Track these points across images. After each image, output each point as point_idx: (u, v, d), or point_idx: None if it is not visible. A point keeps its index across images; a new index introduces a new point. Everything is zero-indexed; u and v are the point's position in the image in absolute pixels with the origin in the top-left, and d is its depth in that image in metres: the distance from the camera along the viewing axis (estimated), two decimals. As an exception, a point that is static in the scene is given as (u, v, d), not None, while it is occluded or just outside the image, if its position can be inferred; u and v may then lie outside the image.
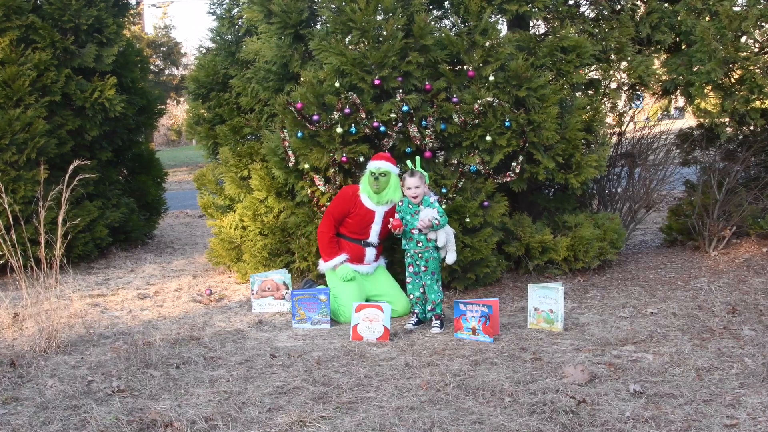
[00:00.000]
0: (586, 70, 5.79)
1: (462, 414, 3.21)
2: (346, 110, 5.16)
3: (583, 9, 6.27)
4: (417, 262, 4.72)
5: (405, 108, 5.14)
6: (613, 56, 5.93)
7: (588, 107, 5.74)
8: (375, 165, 4.90)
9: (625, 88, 6.53)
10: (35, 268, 4.60)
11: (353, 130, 5.18)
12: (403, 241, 4.78)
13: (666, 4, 6.16)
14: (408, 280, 4.81)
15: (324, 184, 5.34)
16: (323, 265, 5.09)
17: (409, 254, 4.77)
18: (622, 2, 6.24)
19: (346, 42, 5.30)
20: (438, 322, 4.62)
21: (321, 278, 5.33)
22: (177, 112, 31.16)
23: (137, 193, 8.25)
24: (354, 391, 3.53)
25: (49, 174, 6.47)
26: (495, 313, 4.38)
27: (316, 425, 3.13)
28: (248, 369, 3.93)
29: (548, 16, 5.94)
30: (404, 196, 4.76)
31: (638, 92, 6.80)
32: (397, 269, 5.23)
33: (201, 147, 6.96)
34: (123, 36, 7.56)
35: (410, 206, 4.69)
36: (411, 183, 4.65)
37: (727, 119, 5.98)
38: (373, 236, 5.03)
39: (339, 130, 5.18)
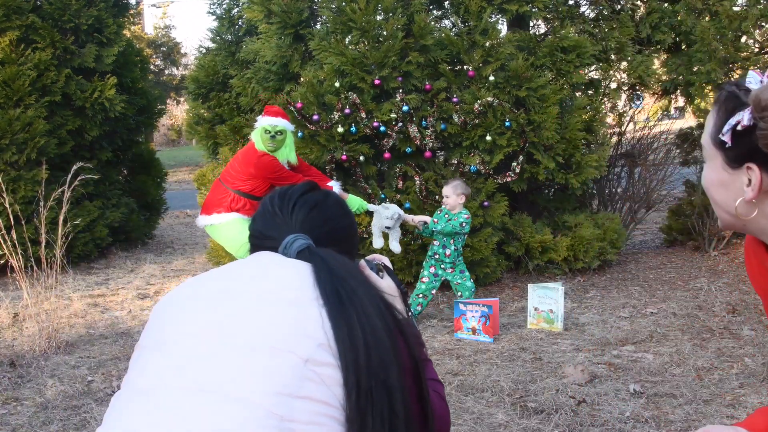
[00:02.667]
0: (586, 70, 5.79)
1: (462, 414, 3.21)
2: (346, 110, 5.16)
3: (583, 9, 6.27)
4: (442, 266, 4.71)
5: (405, 108, 5.14)
6: (613, 56, 5.93)
7: (588, 107, 5.74)
8: (270, 121, 4.45)
9: (625, 88, 6.53)
10: (35, 268, 4.60)
11: (353, 129, 5.18)
12: (436, 243, 4.73)
13: (666, 4, 6.16)
14: (425, 279, 4.75)
15: None
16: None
17: (435, 257, 4.73)
18: (622, 2, 6.24)
19: (346, 42, 5.30)
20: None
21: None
22: (177, 112, 31.15)
23: (137, 193, 8.25)
24: (354, 391, 3.52)
25: (49, 174, 6.47)
26: (495, 313, 4.38)
27: (316, 425, 3.12)
28: (248, 369, 3.93)
29: (548, 16, 5.94)
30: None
31: (638, 92, 6.80)
32: (395, 272, 5.23)
33: (201, 147, 6.97)
34: (123, 36, 7.56)
35: (446, 215, 4.68)
36: (444, 191, 4.69)
37: (727, 119, 5.97)
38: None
39: (339, 129, 5.18)
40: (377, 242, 4.73)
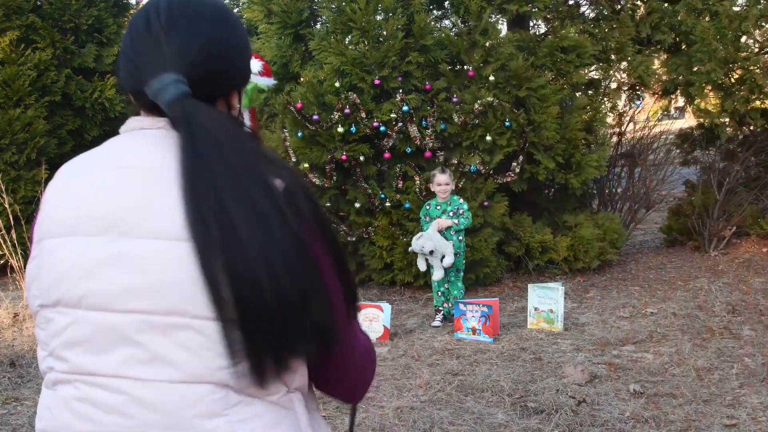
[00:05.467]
0: (586, 70, 5.79)
1: (462, 414, 3.21)
2: (346, 110, 5.16)
3: (583, 9, 6.27)
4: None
5: (405, 108, 5.14)
6: (613, 56, 5.94)
7: (588, 107, 5.74)
8: (266, 82, 4.09)
9: (625, 88, 6.54)
10: (35, 268, 4.59)
11: (353, 129, 5.18)
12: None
13: (666, 4, 6.16)
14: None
15: (319, 178, 5.30)
16: None
17: None
18: (622, 2, 6.25)
19: (346, 42, 5.30)
20: (440, 316, 4.68)
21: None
22: (177, 112, 31.16)
23: (137, 193, 8.25)
24: (354, 391, 3.52)
25: (49, 174, 6.47)
26: (495, 313, 4.38)
27: (316, 425, 3.12)
28: (248, 369, 3.92)
29: (548, 16, 5.94)
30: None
31: (638, 92, 6.80)
32: (396, 272, 5.22)
33: (201, 147, 6.97)
34: (123, 36, 7.57)
35: (438, 207, 4.69)
36: (442, 180, 4.61)
37: (727, 119, 5.98)
38: None
39: (339, 129, 5.18)
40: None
